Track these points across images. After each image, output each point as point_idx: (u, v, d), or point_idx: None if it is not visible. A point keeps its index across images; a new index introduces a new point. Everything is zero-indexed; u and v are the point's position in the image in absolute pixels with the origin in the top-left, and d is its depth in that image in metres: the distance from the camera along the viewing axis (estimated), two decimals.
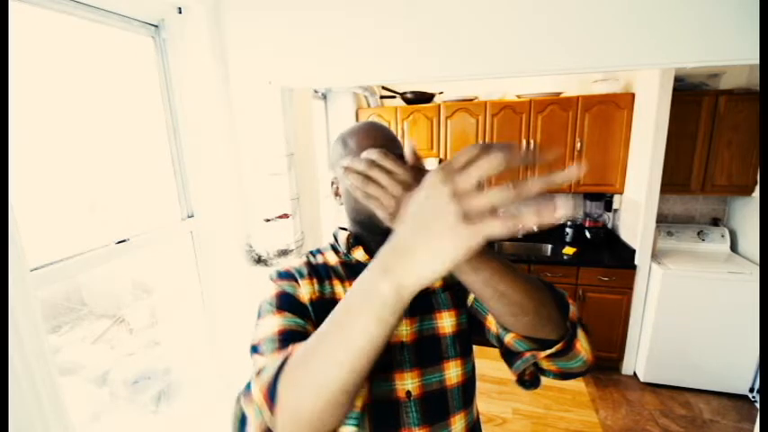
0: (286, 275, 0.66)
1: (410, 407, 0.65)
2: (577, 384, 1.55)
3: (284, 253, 1.52)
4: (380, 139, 0.67)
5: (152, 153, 1.41)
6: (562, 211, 0.30)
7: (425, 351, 0.67)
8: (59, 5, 0.99)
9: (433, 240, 0.32)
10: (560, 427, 1.34)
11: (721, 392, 2.54)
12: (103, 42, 1.23)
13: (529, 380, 0.64)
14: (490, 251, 0.49)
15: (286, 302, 0.61)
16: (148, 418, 1.48)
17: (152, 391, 1.51)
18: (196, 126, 1.38)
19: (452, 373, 0.68)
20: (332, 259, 0.73)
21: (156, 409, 1.51)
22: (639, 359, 2.74)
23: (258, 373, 0.47)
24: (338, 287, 0.68)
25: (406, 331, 0.67)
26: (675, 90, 2.33)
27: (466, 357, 0.71)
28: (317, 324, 0.53)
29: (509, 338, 0.59)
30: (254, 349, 0.56)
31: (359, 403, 0.52)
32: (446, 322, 0.70)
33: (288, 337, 0.54)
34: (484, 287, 0.49)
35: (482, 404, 1.45)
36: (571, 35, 1.14)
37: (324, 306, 0.62)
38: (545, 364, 0.59)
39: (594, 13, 1.12)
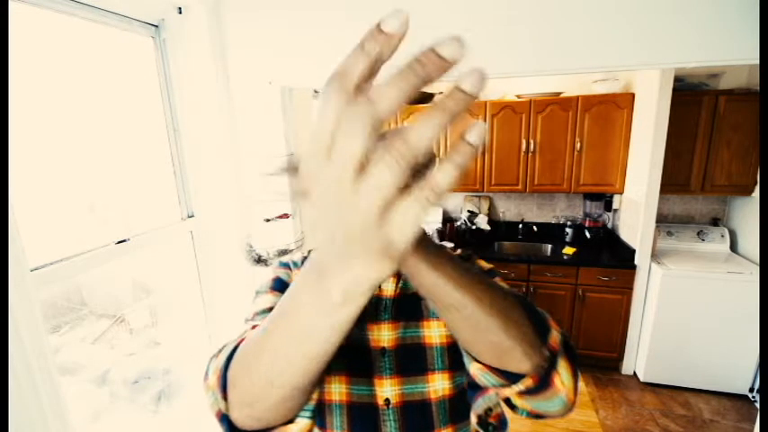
0: (283, 265, 0.73)
1: (388, 416, 0.62)
2: None
3: (284, 253, 1.52)
4: None
5: (152, 153, 1.41)
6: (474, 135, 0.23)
7: (408, 360, 0.64)
8: (59, 6, 0.99)
9: (346, 250, 0.25)
10: (560, 426, 1.34)
11: (721, 392, 2.54)
12: (104, 43, 1.23)
13: (493, 422, 0.53)
14: (436, 247, 0.41)
15: (278, 285, 0.67)
16: (148, 418, 1.48)
17: (152, 391, 1.51)
18: (196, 126, 1.38)
19: (438, 385, 0.63)
20: None
21: (156, 409, 1.51)
22: (639, 359, 2.74)
23: (216, 354, 0.48)
24: None
25: (387, 337, 0.65)
26: (675, 90, 2.33)
27: (456, 371, 0.64)
28: None
29: (474, 369, 0.48)
30: (246, 322, 0.60)
31: (315, 395, 0.48)
32: (434, 332, 0.65)
33: None
34: (430, 292, 0.41)
35: None
36: (571, 35, 1.14)
37: None
38: (517, 401, 0.49)
39: (594, 13, 1.12)
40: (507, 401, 0.50)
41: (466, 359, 0.50)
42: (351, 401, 0.63)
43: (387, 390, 0.63)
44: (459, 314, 0.41)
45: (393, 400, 0.63)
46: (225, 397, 0.42)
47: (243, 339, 0.44)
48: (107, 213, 1.42)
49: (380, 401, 0.63)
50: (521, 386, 0.44)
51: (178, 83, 1.34)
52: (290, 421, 0.42)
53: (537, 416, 0.51)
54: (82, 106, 1.27)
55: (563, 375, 0.45)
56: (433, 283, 0.39)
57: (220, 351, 0.48)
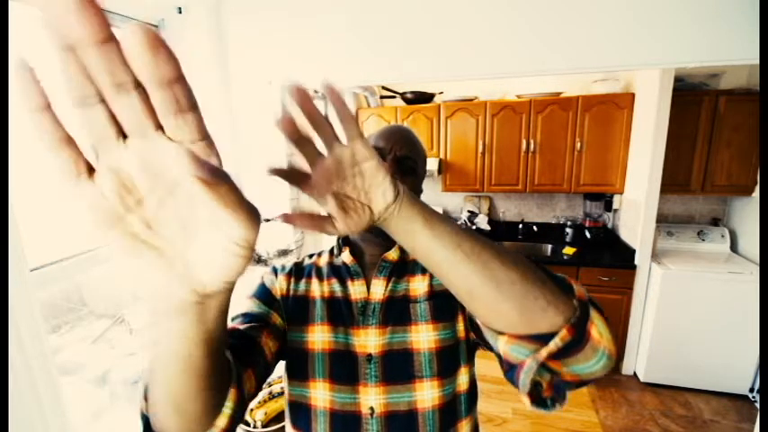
0: (273, 270, 0.74)
1: (371, 425, 0.61)
2: None
3: (284, 253, 1.52)
4: (391, 139, 0.65)
5: None
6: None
7: (395, 367, 0.62)
8: None
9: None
10: (560, 426, 1.34)
11: (721, 392, 2.54)
12: None
13: (550, 396, 0.45)
14: (428, 208, 0.42)
15: (260, 292, 0.69)
16: None
17: None
18: None
19: (426, 394, 0.61)
20: (323, 260, 0.73)
21: None
22: (639, 359, 2.74)
23: None
24: (314, 285, 0.69)
25: (374, 342, 0.63)
26: (675, 90, 2.33)
27: (446, 378, 0.62)
28: (282, 314, 0.66)
29: (502, 345, 0.44)
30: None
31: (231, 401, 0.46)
32: (422, 336, 0.63)
33: (248, 318, 0.63)
34: (429, 252, 0.40)
35: (482, 404, 1.44)
36: (571, 35, 1.14)
37: (294, 301, 0.68)
38: (555, 367, 0.43)
39: (594, 13, 1.12)
40: (552, 375, 0.44)
41: (491, 338, 0.46)
42: (334, 409, 0.62)
43: (371, 398, 0.61)
44: (470, 266, 0.39)
45: (378, 410, 0.61)
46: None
47: None
48: None
49: (364, 410, 0.61)
50: (558, 341, 0.39)
51: None
52: None
53: (580, 383, 0.45)
54: None
55: (599, 325, 0.41)
56: (430, 236, 0.40)
57: None
